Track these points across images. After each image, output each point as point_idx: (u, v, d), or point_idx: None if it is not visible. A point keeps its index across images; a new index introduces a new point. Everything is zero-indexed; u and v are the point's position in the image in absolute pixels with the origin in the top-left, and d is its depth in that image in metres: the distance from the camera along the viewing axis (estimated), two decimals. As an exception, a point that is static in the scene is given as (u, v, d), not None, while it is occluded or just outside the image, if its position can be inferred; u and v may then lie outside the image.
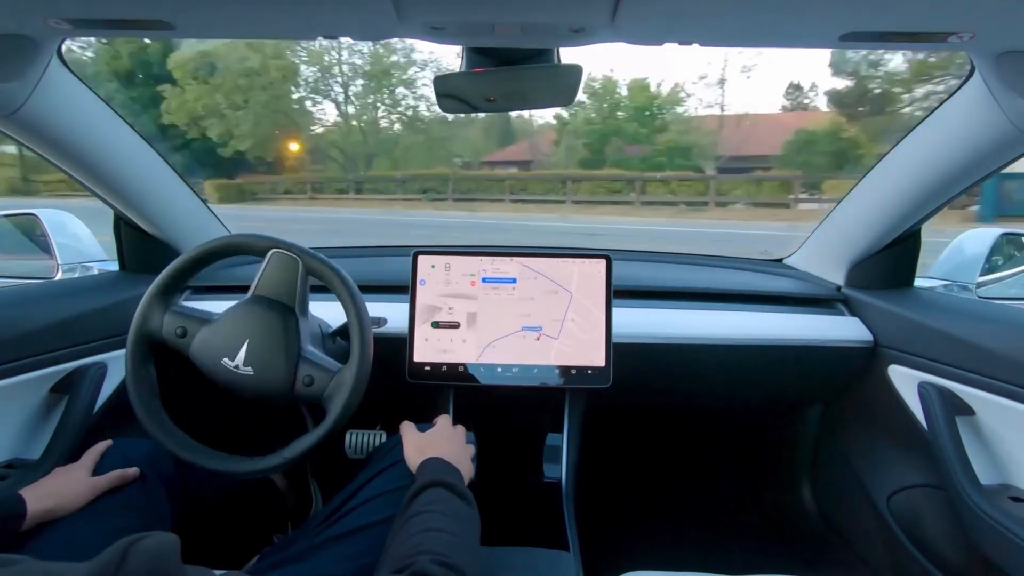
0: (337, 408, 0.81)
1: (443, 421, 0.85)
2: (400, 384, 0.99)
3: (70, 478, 0.76)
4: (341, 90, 17.88)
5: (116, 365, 1.00)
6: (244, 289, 1.19)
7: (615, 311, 1.01)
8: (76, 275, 1.26)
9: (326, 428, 0.81)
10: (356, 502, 0.79)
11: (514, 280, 1.01)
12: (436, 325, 1.01)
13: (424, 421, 0.86)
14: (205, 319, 0.86)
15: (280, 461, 0.82)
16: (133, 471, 0.79)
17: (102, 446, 0.82)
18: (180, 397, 0.90)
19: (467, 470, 0.76)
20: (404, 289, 1.02)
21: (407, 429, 0.83)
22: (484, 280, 1.01)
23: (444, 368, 1.00)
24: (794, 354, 1.13)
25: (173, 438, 0.84)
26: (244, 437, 0.98)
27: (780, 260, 1.41)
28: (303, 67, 17.09)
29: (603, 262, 1.01)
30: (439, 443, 0.78)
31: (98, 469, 0.79)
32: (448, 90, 0.81)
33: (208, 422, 0.91)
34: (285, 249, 0.89)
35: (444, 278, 1.01)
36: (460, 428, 0.85)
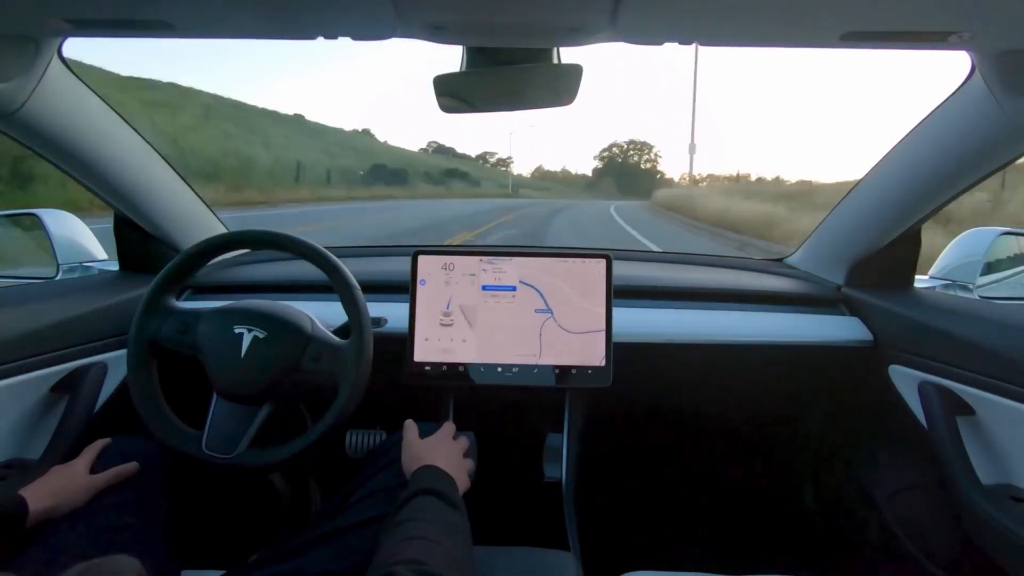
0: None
1: (446, 429, 0.84)
2: (400, 384, 0.99)
3: (69, 476, 0.76)
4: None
5: (117, 365, 1.00)
6: (245, 289, 1.19)
7: (615, 311, 1.01)
8: (76, 275, 1.26)
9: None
10: (355, 499, 0.79)
11: (514, 288, 1.02)
12: (436, 325, 1.01)
13: (424, 420, 0.86)
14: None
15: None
16: (131, 466, 0.79)
17: (100, 444, 0.83)
18: (183, 398, 0.90)
19: (462, 482, 0.75)
20: (404, 289, 1.02)
21: (409, 431, 0.82)
22: (484, 288, 1.01)
23: (444, 368, 1.00)
24: (794, 354, 1.13)
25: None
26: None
27: (780, 260, 1.41)
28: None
29: (603, 262, 1.01)
30: (436, 452, 0.77)
31: (96, 467, 0.79)
32: (448, 90, 0.81)
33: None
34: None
35: (444, 278, 1.01)
36: (462, 439, 0.84)
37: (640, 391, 1.19)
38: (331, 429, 0.82)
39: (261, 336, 0.84)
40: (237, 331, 0.84)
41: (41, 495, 0.71)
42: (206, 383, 0.86)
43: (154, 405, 0.85)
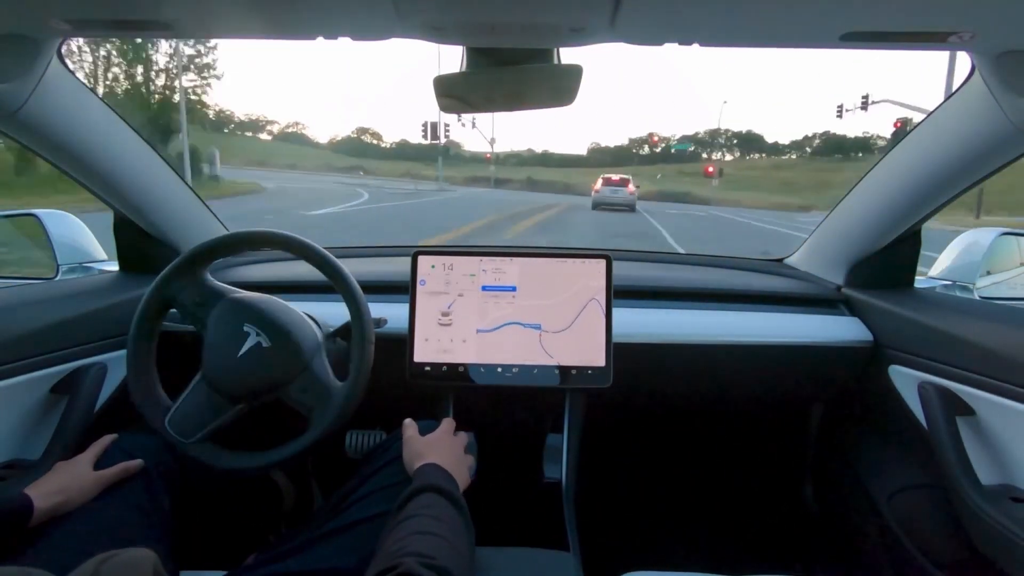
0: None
1: (445, 426, 0.85)
2: (400, 384, 0.99)
3: (75, 473, 0.76)
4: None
5: (116, 365, 1.00)
6: (245, 289, 1.19)
7: (615, 311, 1.01)
8: (76, 276, 1.26)
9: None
10: (355, 497, 0.79)
11: (514, 288, 1.02)
12: (436, 325, 1.01)
13: (424, 420, 0.87)
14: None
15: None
16: (136, 463, 0.80)
17: (106, 440, 0.83)
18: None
19: (463, 479, 0.76)
20: (404, 289, 1.02)
21: (409, 429, 0.83)
22: (484, 288, 1.01)
23: (444, 368, 1.00)
24: (794, 354, 1.13)
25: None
26: (243, 434, 0.98)
27: (780, 260, 1.41)
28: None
29: (603, 262, 1.01)
30: (437, 449, 0.78)
31: (100, 464, 0.79)
32: (448, 90, 0.81)
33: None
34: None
35: (444, 278, 1.01)
36: (462, 435, 0.85)
37: (640, 392, 1.20)
38: (285, 459, 0.83)
39: (265, 345, 0.84)
40: (245, 329, 0.85)
41: (48, 492, 0.72)
42: (194, 362, 0.86)
43: (144, 362, 0.86)
